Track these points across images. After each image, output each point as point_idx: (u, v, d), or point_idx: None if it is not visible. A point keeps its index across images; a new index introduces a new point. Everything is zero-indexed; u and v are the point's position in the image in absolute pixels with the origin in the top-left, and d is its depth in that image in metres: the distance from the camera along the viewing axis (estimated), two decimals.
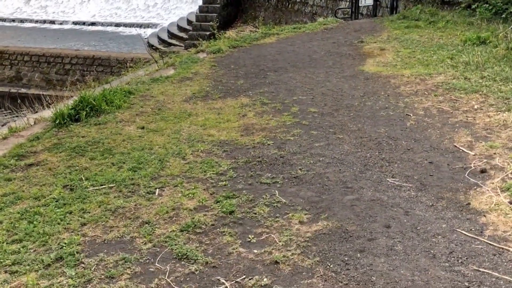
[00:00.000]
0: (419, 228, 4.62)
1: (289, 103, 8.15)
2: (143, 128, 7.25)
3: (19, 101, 11.53)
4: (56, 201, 5.21)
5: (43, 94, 12.87)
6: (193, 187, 5.46)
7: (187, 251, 4.31)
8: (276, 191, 5.31)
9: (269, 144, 6.52)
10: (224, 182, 5.53)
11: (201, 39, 14.93)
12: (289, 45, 12.30)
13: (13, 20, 32.15)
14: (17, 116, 14.17)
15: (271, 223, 4.75)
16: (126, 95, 8.48)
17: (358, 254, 4.24)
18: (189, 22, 23.92)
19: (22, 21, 32.09)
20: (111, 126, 7.32)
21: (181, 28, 24.79)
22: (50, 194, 5.36)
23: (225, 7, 22.16)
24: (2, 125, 11.09)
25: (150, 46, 23.29)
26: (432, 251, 4.28)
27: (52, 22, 31.71)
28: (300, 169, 5.81)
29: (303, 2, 20.78)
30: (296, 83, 9.26)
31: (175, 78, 9.62)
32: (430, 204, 5.06)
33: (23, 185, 5.62)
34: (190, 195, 5.29)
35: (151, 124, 7.41)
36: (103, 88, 8.50)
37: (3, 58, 23.85)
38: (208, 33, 19.49)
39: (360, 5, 16.84)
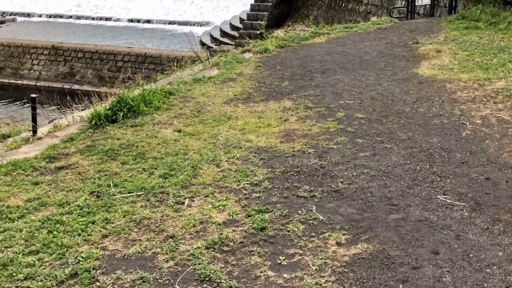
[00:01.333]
0: (471, 255, 4.11)
1: (334, 107, 7.68)
2: (179, 131, 6.94)
3: (68, 97, 11.43)
4: (80, 209, 4.95)
5: (93, 91, 12.82)
6: (224, 198, 5.09)
7: (210, 272, 3.95)
8: (313, 206, 4.88)
9: (309, 153, 6.09)
10: (258, 194, 5.14)
11: (250, 38, 14.60)
12: (339, 45, 11.80)
13: (70, 17, 32.65)
14: (64, 112, 14.20)
15: (305, 243, 4.33)
16: (166, 95, 8.20)
17: (401, 285, 3.77)
18: (241, 20, 23.64)
19: (78, 17, 32.55)
20: (147, 129, 7.04)
21: (233, 27, 24.55)
22: (76, 201, 5.10)
23: (277, 5, 21.75)
24: (49, 122, 11.05)
25: (203, 44, 23.15)
26: (485, 285, 3.77)
27: (108, 19, 32.05)
28: (341, 182, 5.36)
29: (358, 0, 20.15)
30: (344, 86, 8.78)
31: (218, 78, 9.29)
32: (485, 227, 4.53)
33: (50, 190, 5.38)
34: (220, 207, 4.93)
35: (189, 127, 7.10)
36: (142, 89, 8.25)
37: (58, 54, 24.17)
38: (258, 32, 19.13)
39: (416, 4, 16.12)
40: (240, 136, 6.74)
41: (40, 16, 32.89)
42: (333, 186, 5.28)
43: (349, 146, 6.29)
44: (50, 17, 32.74)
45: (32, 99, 11.77)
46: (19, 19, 32.44)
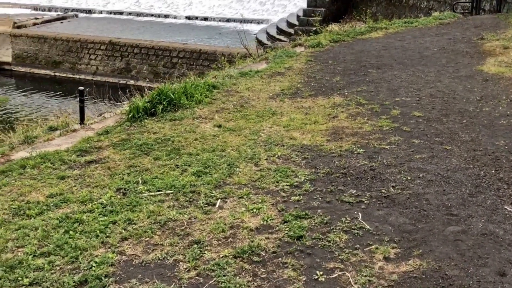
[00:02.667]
0: None
1: (389, 104, 7.05)
2: (220, 126, 6.48)
3: (119, 92, 11.22)
4: (103, 207, 4.54)
5: (147, 86, 12.59)
6: (260, 201, 4.58)
7: (235, 286, 3.45)
8: (360, 214, 4.31)
9: (358, 153, 5.50)
10: (298, 197, 4.61)
11: (305, 34, 14.02)
12: (398, 40, 11.08)
13: (129, 14, 32.89)
14: (114, 106, 14.07)
15: (348, 256, 3.77)
16: (209, 89, 7.77)
17: None
18: (298, 17, 23.07)
19: (138, 14, 32.75)
20: (186, 123, 6.61)
21: (290, 24, 24.01)
22: (99, 198, 4.71)
23: (334, 1, 21.06)
24: (98, 115, 10.87)
25: (259, 41, 22.73)
26: None
27: (167, 16, 32.13)
28: (393, 186, 4.76)
29: None
30: (401, 82, 8.12)
31: (265, 72, 8.79)
32: None
33: (75, 186, 5.02)
34: (254, 210, 4.43)
35: (230, 122, 6.63)
36: (184, 81, 7.84)
37: (115, 49, 24.25)
38: (313, 28, 18.51)
39: None
40: (284, 133, 6.21)
41: (100, 12, 33.30)
42: (383, 191, 4.69)
43: (403, 146, 5.67)
44: (111, 13, 33.10)
45: (80, 92, 11.56)
46: (80, 15, 32.92)
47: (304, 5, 22.95)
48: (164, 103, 7.05)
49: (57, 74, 24.64)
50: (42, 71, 24.89)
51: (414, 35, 11.58)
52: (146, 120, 6.75)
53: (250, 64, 9.61)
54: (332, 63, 9.32)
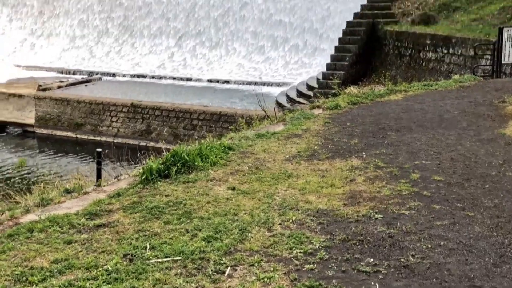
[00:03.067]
0: None
1: (409, 168, 6.85)
2: (233, 189, 6.33)
3: (138, 154, 11.22)
4: (108, 274, 4.36)
5: (166, 148, 12.56)
6: (272, 269, 4.36)
7: None
8: (377, 285, 4.06)
9: (376, 219, 5.28)
10: (312, 266, 4.38)
11: (324, 97, 14.01)
12: (418, 103, 10.97)
13: (152, 77, 33.54)
14: (132, 168, 14.06)
15: None
16: (225, 150, 7.66)
17: None
18: (318, 80, 23.26)
19: (160, 77, 33.39)
20: (200, 185, 6.48)
21: (309, 87, 24.21)
22: (105, 265, 4.53)
23: (353, 65, 21.21)
24: (115, 177, 10.82)
25: (278, 104, 22.89)
26: None
27: (189, 79, 32.71)
28: (412, 255, 4.51)
29: (439, 60, 19.27)
30: (421, 145, 7.94)
31: (282, 134, 8.69)
32: None
33: (81, 251, 4.85)
34: (265, 279, 4.20)
35: (244, 184, 6.47)
36: (200, 143, 7.77)
37: (136, 112, 24.57)
38: (333, 91, 18.57)
39: (503, 62, 15.06)
40: (299, 196, 6.03)
41: (124, 76, 34.01)
42: (402, 260, 4.44)
43: (423, 212, 5.44)
44: (134, 76, 33.80)
45: (98, 154, 11.54)
46: (104, 78, 33.68)
47: (323, 69, 23.18)
48: (178, 164, 6.95)
49: (78, 136, 24.94)
50: (64, 133, 25.23)
51: (434, 97, 11.47)
52: (159, 182, 6.63)
53: (267, 126, 9.54)
54: (350, 125, 9.21)
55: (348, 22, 22.63)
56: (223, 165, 7.20)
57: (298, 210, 5.61)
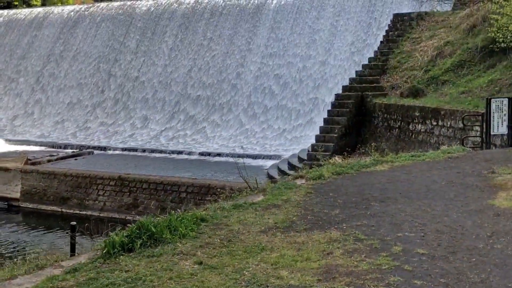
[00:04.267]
0: None
1: (390, 240, 6.40)
2: (200, 263, 5.85)
3: (118, 228, 10.76)
4: None
5: None
6: None
7: None
8: None
9: None
10: None
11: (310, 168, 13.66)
12: (404, 173, 10.61)
13: (144, 151, 33.34)
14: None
15: None
16: (197, 222, 7.22)
17: None
18: (308, 152, 23.03)
19: (152, 151, 33.18)
20: (164, 260, 6.00)
21: (300, 159, 23.96)
22: None
23: (343, 136, 21.04)
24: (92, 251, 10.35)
25: (269, 177, 22.59)
26: None
27: (180, 152, 32.49)
28: None
29: (428, 132, 19.11)
30: (405, 216, 7.51)
31: (260, 205, 8.26)
32: None
33: None
34: None
35: (213, 259, 6.00)
36: (169, 215, 7.33)
37: (123, 185, 24.15)
38: (322, 162, 18.28)
39: (492, 133, 14.87)
40: (271, 271, 5.55)
41: (115, 149, 33.80)
42: None
43: None
44: (125, 150, 33.59)
45: (72, 227, 11.08)
46: (96, 152, 33.45)
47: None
48: (143, 237, 6.49)
49: (64, 210, 24.38)
50: (50, 208, 24.68)
51: (421, 168, 11.13)
52: (122, 256, 6.16)
53: (247, 196, 9.13)
54: (332, 195, 8.80)
55: (336, 95, 22.68)
56: (193, 238, 6.74)
57: (267, 286, 5.13)
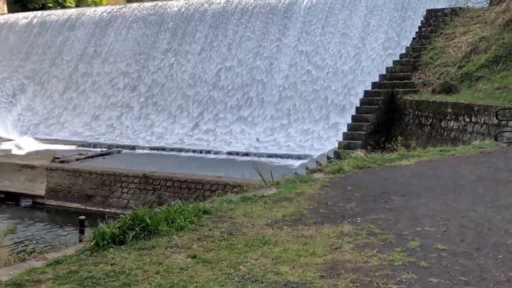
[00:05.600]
0: None
1: (407, 235, 5.75)
2: (194, 257, 5.30)
3: None
4: None
5: None
6: None
7: None
8: None
9: None
10: None
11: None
12: (431, 168, 9.89)
13: (172, 150, 33.08)
14: None
15: None
16: (198, 214, 6.68)
17: None
18: (335, 151, 22.31)
19: (180, 150, 32.89)
20: (156, 252, 5.47)
21: (329, 158, 23.25)
22: None
23: (371, 134, 20.24)
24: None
25: (296, 175, 21.93)
26: None
27: (208, 152, 32.13)
28: None
29: (461, 129, 18.20)
30: (427, 211, 6.83)
31: (271, 198, 7.67)
32: None
33: None
34: None
35: (209, 252, 5.44)
36: (168, 205, 6.82)
37: (148, 183, 23.83)
38: (343, 156, 17.55)
39: None
40: (270, 266, 4.97)
41: (143, 148, 33.62)
42: None
43: (416, 287, 4.31)
44: (153, 149, 33.39)
45: (80, 222, 10.66)
46: (124, 151, 33.32)
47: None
48: (136, 229, 5.97)
49: (87, 207, 24.15)
50: (74, 205, 24.48)
51: (449, 163, 10.38)
52: (111, 249, 5.65)
53: (258, 189, 8.56)
54: (350, 189, 8.15)
55: (366, 92, 21.91)
56: (191, 230, 6.20)
57: (262, 283, 4.55)
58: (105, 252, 5.56)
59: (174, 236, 5.95)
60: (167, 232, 6.04)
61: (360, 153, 10.80)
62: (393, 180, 8.85)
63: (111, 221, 6.15)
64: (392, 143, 19.79)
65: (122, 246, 5.72)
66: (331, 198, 7.54)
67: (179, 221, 6.27)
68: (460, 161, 10.60)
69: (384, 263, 4.88)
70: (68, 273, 4.97)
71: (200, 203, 7.20)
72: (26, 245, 16.99)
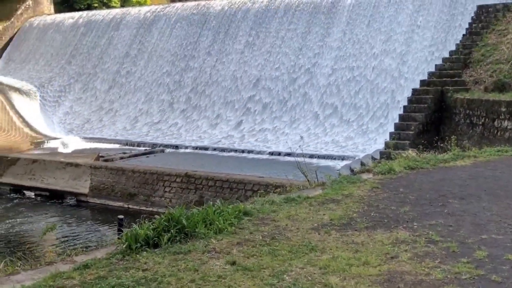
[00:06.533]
0: None
1: (473, 243, 5.12)
2: (233, 263, 4.81)
3: None
4: None
5: None
6: None
7: None
8: None
9: None
10: None
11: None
12: (489, 169, 9.16)
13: (214, 149, 32.79)
14: None
15: None
16: (238, 216, 6.19)
17: None
18: (381, 152, 21.53)
19: (222, 150, 32.57)
20: (192, 257, 5.00)
21: (374, 159, 22.48)
22: None
23: (420, 134, 19.39)
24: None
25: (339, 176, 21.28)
26: None
27: (250, 151, 31.69)
28: None
29: None
30: (491, 216, 6.17)
31: (317, 199, 7.12)
32: None
33: None
34: None
35: (250, 258, 4.94)
36: (207, 206, 6.36)
37: (190, 182, 23.52)
38: (393, 156, 16.80)
39: None
40: (318, 276, 4.43)
41: (186, 148, 33.44)
42: None
43: None
44: (196, 149, 33.17)
45: (119, 221, 10.30)
46: (167, 150, 33.21)
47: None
48: (172, 231, 5.53)
49: (130, 206, 24.00)
50: (117, 203, 24.37)
51: (509, 164, 9.62)
52: (145, 252, 5.22)
53: (302, 190, 8.02)
54: (403, 191, 7.52)
55: (414, 90, 21.04)
56: (231, 233, 5.71)
57: None
58: (138, 256, 5.12)
59: (212, 240, 5.48)
60: (204, 235, 5.57)
61: (411, 152, 10.12)
62: (449, 181, 8.18)
63: (145, 222, 5.72)
64: (444, 143, 18.94)
65: (156, 250, 5.29)
66: (382, 201, 6.94)
67: (217, 223, 5.80)
68: None
69: (449, 276, 4.29)
70: (96, 278, 4.55)
71: (241, 203, 6.70)
72: (64, 244, 16.88)
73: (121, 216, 10.94)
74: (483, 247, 5.02)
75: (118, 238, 9.59)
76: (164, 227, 5.55)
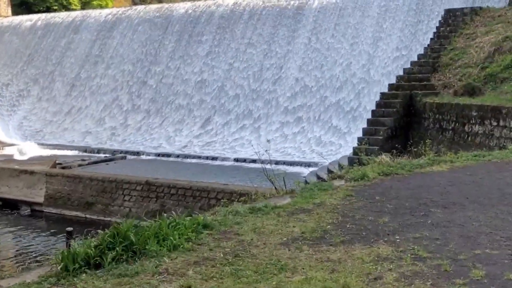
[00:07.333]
0: None
1: (466, 260, 4.45)
2: None
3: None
4: None
5: None
6: None
7: None
8: None
9: None
10: None
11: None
12: (468, 175, 8.58)
13: (177, 156, 31.93)
14: None
15: None
16: (197, 229, 5.40)
17: None
18: (349, 158, 20.98)
19: (185, 157, 31.73)
20: (140, 281, 4.20)
21: (340, 166, 21.92)
22: None
23: (388, 139, 18.89)
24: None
25: (306, 183, 20.65)
26: None
27: (214, 158, 30.96)
28: None
29: (487, 134, 16.83)
30: (480, 226, 5.53)
31: (286, 209, 6.38)
32: None
33: None
34: None
35: (209, 281, 4.16)
36: (160, 219, 5.55)
37: (150, 190, 22.55)
38: (366, 162, 16.22)
39: None
40: None
41: (148, 154, 32.47)
42: None
43: None
44: (159, 155, 32.23)
45: (68, 233, 9.54)
46: (129, 157, 32.19)
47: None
48: (117, 248, 4.70)
49: (88, 216, 22.90)
50: (74, 213, 23.22)
51: (488, 169, 9.07)
52: (83, 274, 4.39)
53: (270, 198, 7.28)
54: (379, 199, 6.84)
55: (382, 94, 20.58)
56: (187, 250, 4.92)
57: None
58: (75, 279, 4.30)
59: (165, 258, 4.67)
60: (156, 253, 4.77)
61: (385, 157, 9.49)
62: (428, 188, 7.54)
63: (86, 238, 4.90)
64: (416, 148, 18.46)
65: (98, 271, 4.46)
66: (358, 210, 6.24)
67: (172, 238, 5.00)
68: (499, 167, 9.29)
69: None
70: None
71: (200, 215, 5.91)
72: (12, 260, 15.79)
73: (70, 228, 10.04)
74: (478, 264, 4.35)
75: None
76: (108, 244, 4.73)
